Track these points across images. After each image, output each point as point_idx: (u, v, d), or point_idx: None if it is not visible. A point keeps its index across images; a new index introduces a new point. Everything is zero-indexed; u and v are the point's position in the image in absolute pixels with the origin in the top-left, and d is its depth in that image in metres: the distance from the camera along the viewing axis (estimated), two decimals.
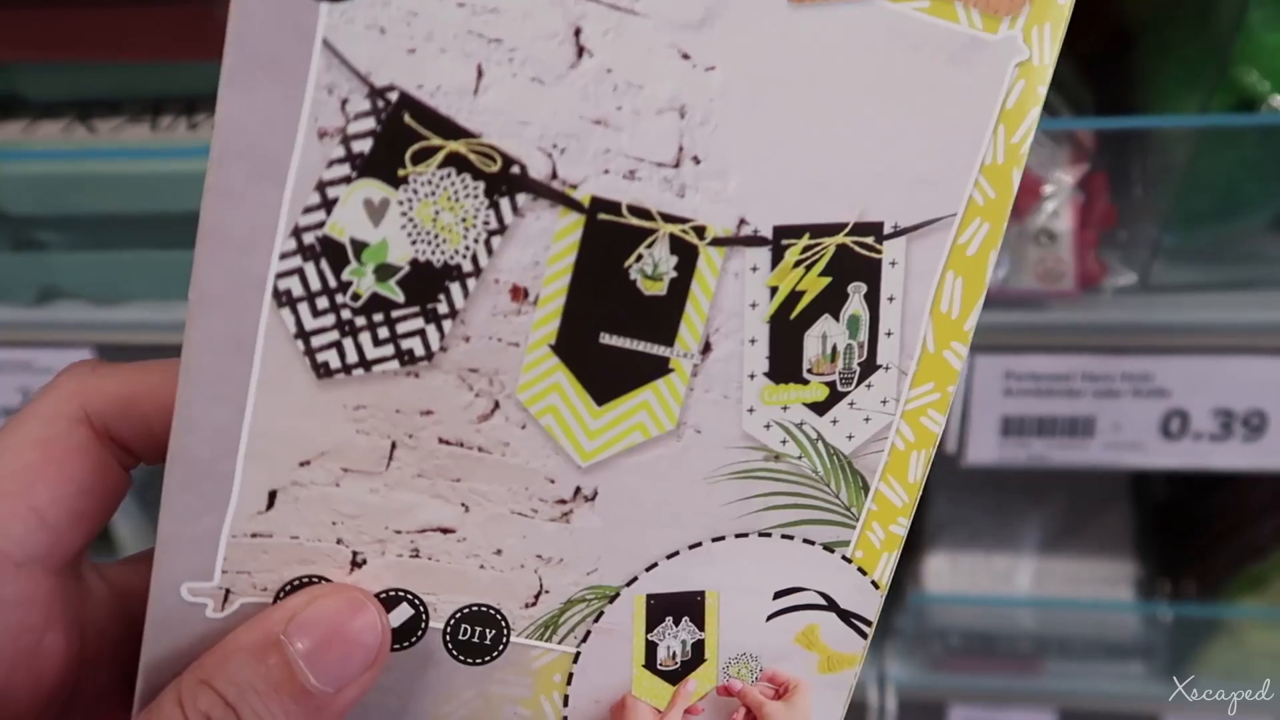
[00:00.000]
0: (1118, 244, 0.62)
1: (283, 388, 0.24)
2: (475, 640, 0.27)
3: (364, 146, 0.23)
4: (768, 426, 0.27)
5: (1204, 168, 0.58)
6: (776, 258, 0.25)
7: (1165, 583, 0.78)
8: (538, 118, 0.23)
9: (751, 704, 0.29)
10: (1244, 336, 0.60)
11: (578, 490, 0.26)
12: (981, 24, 0.24)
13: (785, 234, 0.25)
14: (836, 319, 0.26)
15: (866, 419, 0.27)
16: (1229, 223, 0.62)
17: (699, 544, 0.28)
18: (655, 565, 0.28)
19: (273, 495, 0.25)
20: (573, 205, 0.24)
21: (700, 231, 0.25)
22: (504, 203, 0.24)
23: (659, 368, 0.26)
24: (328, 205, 0.23)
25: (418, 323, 0.24)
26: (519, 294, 0.24)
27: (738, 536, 0.28)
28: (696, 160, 0.24)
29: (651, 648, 0.29)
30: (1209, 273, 0.62)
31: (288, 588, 0.26)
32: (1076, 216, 0.59)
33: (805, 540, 0.28)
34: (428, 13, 0.22)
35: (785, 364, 0.26)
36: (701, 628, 0.29)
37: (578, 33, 0.23)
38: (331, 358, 0.24)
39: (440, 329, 0.24)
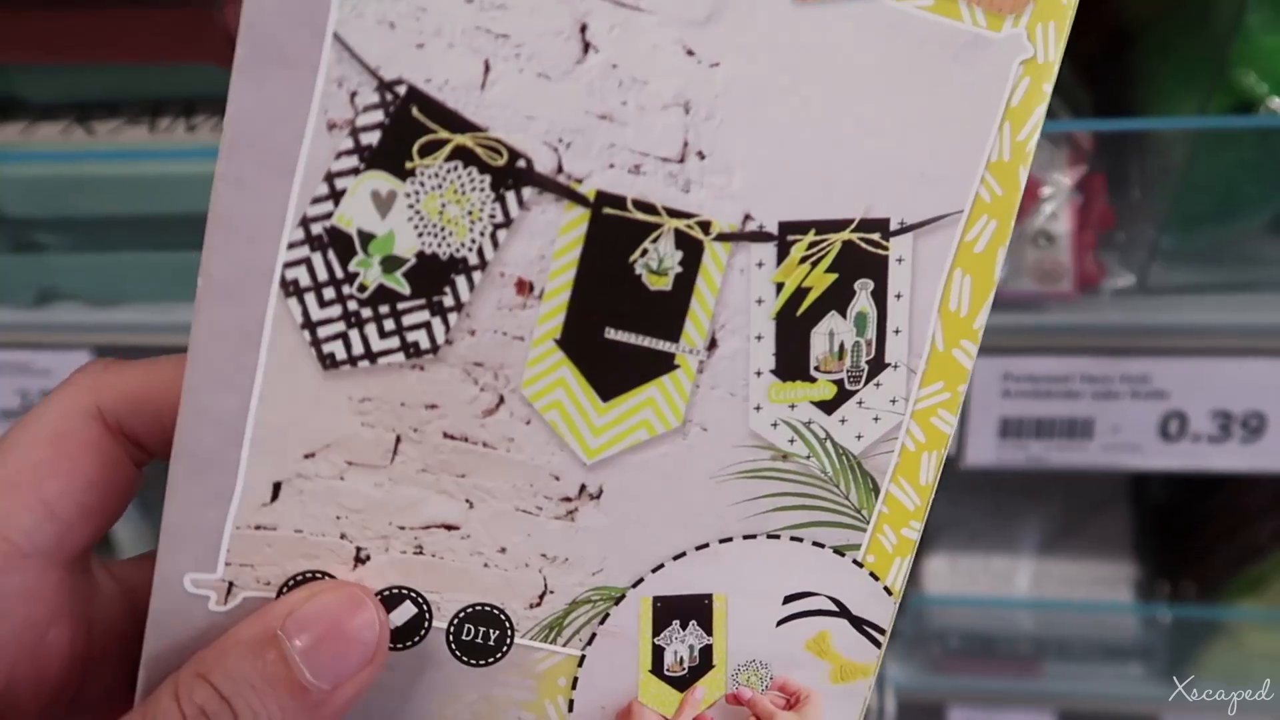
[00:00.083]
0: (1116, 245, 0.62)
1: (289, 378, 0.24)
2: (479, 641, 0.27)
3: (372, 139, 0.23)
4: (775, 425, 0.26)
5: (1202, 169, 0.59)
6: (782, 254, 0.25)
7: (1164, 584, 0.78)
8: (544, 112, 0.23)
9: (762, 714, 0.29)
10: (1242, 338, 0.60)
11: (583, 488, 0.26)
12: (985, 22, 0.24)
13: (791, 230, 0.25)
14: (844, 316, 0.26)
15: (875, 418, 0.27)
16: (1227, 224, 0.63)
17: (706, 545, 0.27)
18: (662, 566, 0.27)
19: (277, 487, 0.25)
20: (578, 200, 0.24)
21: (705, 227, 0.25)
22: (510, 196, 0.24)
23: (664, 364, 0.26)
24: (336, 196, 0.23)
25: (423, 315, 0.24)
26: (524, 288, 0.24)
27: (745, 538, 0.27)
28: (701, 155, 0.24)
29: (658, 652, 0.28)
30: (1207, 274, 0.62)
31: (291, 583, 0.26)
32: (1075, 218, 0.59)
33: (815, 543, 0.28)
34: (436, 8, 0.22)
35: (792, 361, 0.26)
36: (709, 632, 0.28)
37: (584, 29, 0.23)
38: (337, 349, 0.24)
39: (446, 322, 0.24)
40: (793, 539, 0.28)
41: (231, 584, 0.25)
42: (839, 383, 0.26)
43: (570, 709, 0.28)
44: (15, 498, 0.25)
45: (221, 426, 0.24)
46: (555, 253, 0.24)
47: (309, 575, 0.26)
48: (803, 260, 0.25)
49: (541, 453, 0.26)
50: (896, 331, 0.26)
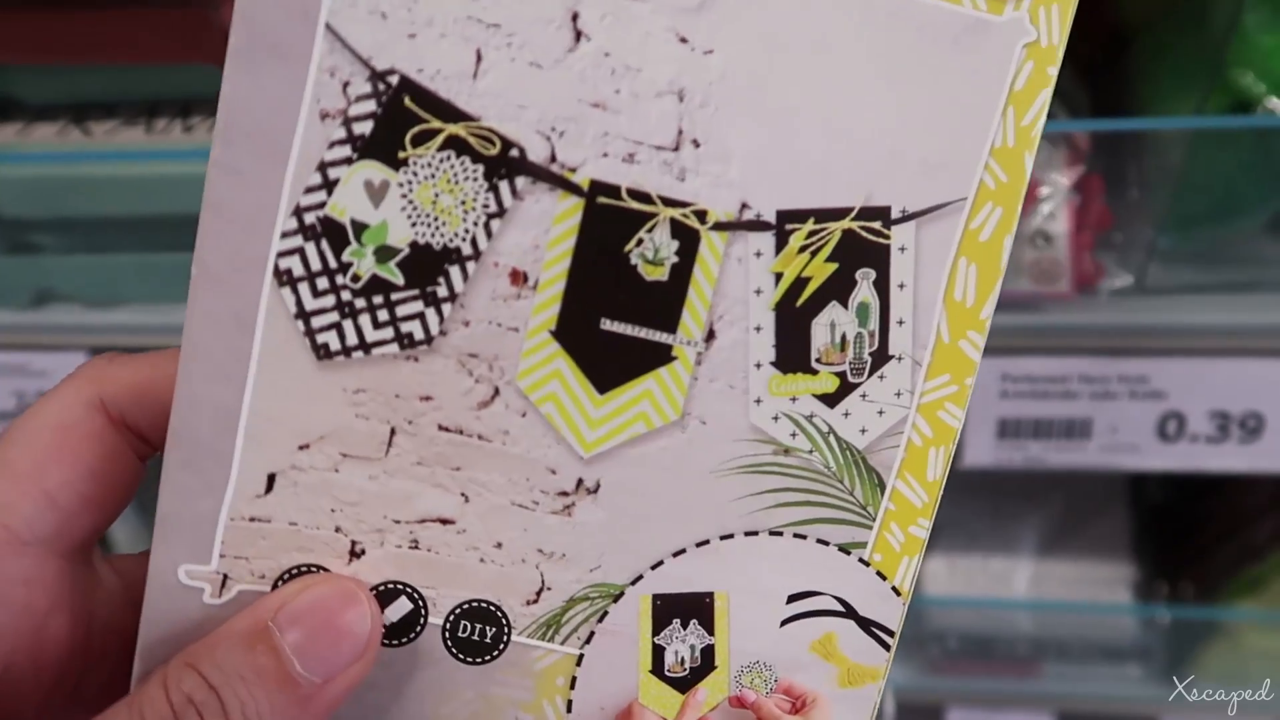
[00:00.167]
0: (1114, 246, 0.62)
1: (283, 368, 0.24)
2: (475, 638, 0.27)
3: (365, 128, 0.23)
4: (776, 418, 0.26)
5: (1199, 170, 0.59)
6: (780, 243, 0.25)
7: (1163, 585, 0.78)
8: (536, 101, 0.23)
9: (767, 718, 0.28)
10: (1240, 338, 0.60)
11: (580, 482, 0.26)
12: (986, 5, 0.24)
13: (789, 218, 0.25)
14: (845, 307, 0.26)
15: (880, 412, 0.26)
16: (1225, 225, 0.63)
17: (706, 541, 0.27)
18: (661, 563, 0.27)
19: (271, 478, 0.25)
20: (572, 189, 0.24)
21: (702, 215, 0.24)
22: (503, 186, 0.24)
23: (662, 355, 0.25)
24: (329, 186, 0.23)
25: (417, 306, 0.24)
26: (519, 278, 0.24)
27: (747, 535, 0.27)
28: (696, 143, 0.24)
29: (659, 652, 0.28)
30: (1205, 274, 0.62)
31: (286, 576, 0.25)
32: (1072, 218, 0.59)
33: (819, 540, 0.27)
34: None
35: (793, 353, 0.26)
36: (711, 632, 0.28)
37: (575, 17, 0.23)
38: (331, 339, 0.24)
39: (440, 312, 0.24)
40: (796, 536, 0.27)
41: (226, 576, 0.25)
42: (841, 375, 0.26)
43: (569, 709, 0.28)
44: (17, 486, 0.25)
45: (215, 416, 0.24)
46: (549, 243, 0.24)
47: (304, 569, 0.25)
48: (802, 249, 0.25)
49: (538, 446, 0.26)
50: (900, 322, 0.26)
